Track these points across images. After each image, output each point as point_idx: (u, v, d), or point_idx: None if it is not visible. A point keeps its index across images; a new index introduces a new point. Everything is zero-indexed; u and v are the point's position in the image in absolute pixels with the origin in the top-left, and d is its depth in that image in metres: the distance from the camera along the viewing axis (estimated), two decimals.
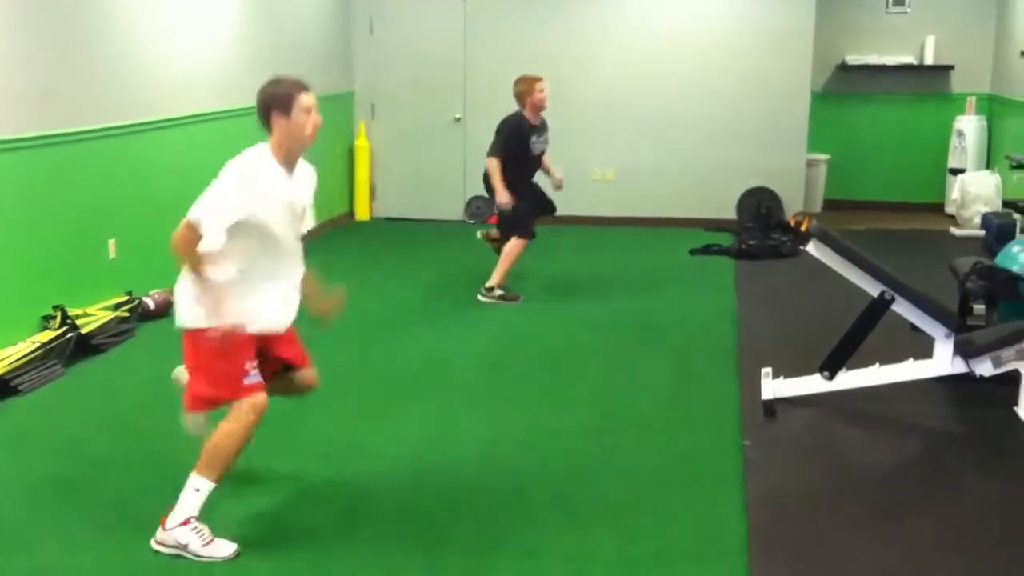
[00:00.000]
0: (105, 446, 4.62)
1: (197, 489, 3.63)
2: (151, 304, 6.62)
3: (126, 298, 6.47)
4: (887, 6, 10.70)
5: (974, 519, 3.93)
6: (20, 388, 5.22)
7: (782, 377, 5.10)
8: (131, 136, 6.64)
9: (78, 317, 5.92)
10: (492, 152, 7.18)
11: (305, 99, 3.69)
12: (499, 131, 7.27)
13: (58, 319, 5.80)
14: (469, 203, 10.46)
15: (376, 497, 4.12)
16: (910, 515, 3.97)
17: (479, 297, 7.25)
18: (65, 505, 4.02)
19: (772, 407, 4.96)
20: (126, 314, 6.34)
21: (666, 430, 4.83)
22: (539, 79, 7.25)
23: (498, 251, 7.46)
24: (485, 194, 7.67)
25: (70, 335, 5.73)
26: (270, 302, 3.75)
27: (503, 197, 7.09)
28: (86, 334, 5.86)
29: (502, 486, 4.21)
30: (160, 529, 3.64)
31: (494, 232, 7.68)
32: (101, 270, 6.39)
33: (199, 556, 3.58)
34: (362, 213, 10.53)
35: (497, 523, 3.88)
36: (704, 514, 3.95)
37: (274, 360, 3.87)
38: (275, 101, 3.69)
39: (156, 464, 4.40)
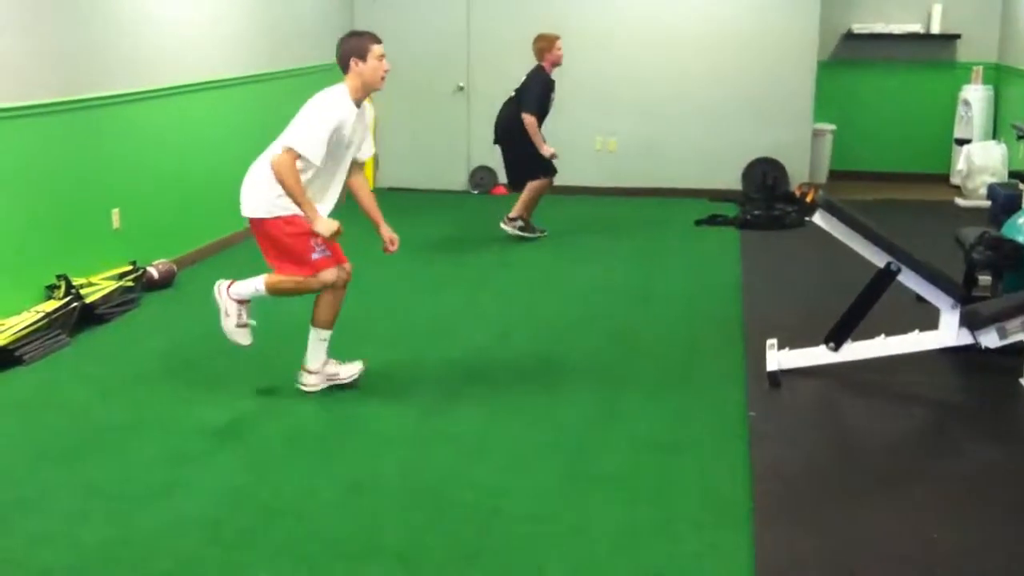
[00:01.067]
0: (110, 415, 4.62)
1: (256, 287, 4.68)
2: (155, 274, 6.62)
3: (130, 268, 6.47)
4: None
5: (979, 488, 3.94)
6: (24, 358, 5.22)
7: (787, 348, 5.09)
8: (134, 104, 6.61)
9: (82, 287, 5.92)
10: (529, 109, 7.84)
11: (378, 48, 4.58)
12: (528, 86, 7.91)
13: (62, 289, 5.79)
14: (473, 173, 10.43)
15: (380, 477, 4.12)
16: (915, 485, 3.97)
17: (501, 225, 7.99)
18: (70, 474, 4.03)
19: (777, 378, 4.96)
20: (130, 284, 6.33)
21: (671, 400, 4.83)
22: (558, 37, 7.99)
23: (523, 229, 8.08)
24: (498, 145, 8.20)
25: (74, 305, 5.73)
26: (323, 203, 4.65)
27: (548, 149, 7.90)
28: (90, 304, 5.86)
29: (505, 458, 4.21)
30: (225, 286, 4.71)
31: (512, 212, 8.11)
32: (105, 239, 6.38)
33: (225, 329, 4.73)
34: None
35: (501, 495, 3.88)
36: (709, 483, 3.95)
37: None
38: (354, 49, 4.55)
39: (161, 433, 4.41)
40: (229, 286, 4.72)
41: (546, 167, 8.04)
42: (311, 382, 4.81)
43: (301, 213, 4.48)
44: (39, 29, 5.72)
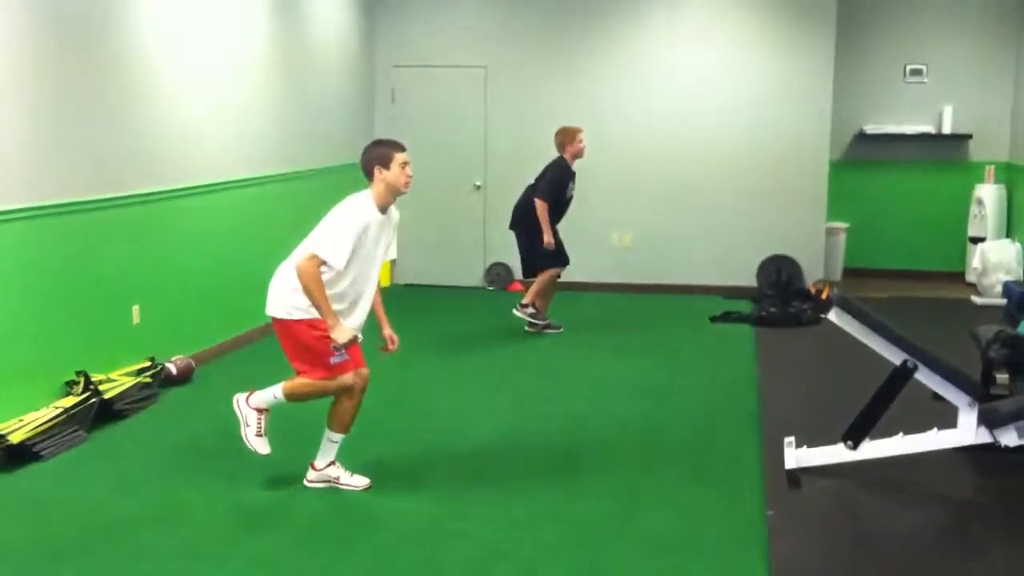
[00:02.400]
0: (126, 511, 4.61)
1: (275, 395, 4.74)
2: (173, 370, 6.65)
3: (149, 363, 6.50)
4: (904, 75, 10.79)
5: None
6: (42, 454, 5.23)
7: (805, 446, 5.06)
8: (157, 203, 6.72)
9: (101, 382, 5.95)
10: (541, 194, 8.00)
11: (401, 156, 4.68)
12: (546, 174, 8.09)
13: (81, 384, 5.83)
14: (489, 269, 10.51)
15: (395, 571, 4.09)
16: None
17: (515, 311, 8.09)
18: (86, 571, 4.01)
19: (796, 476, 4.93)
20: (148, 380, 6.37)
21: (688, 498, 4.79)
22: (580, 130, 8.14)
23: (535, 317, 8.17)
24: (513, 230, 8.30)
25: (92, 400, 5.76)
26: (355, 311, 4.71)
27: (549, 236, 7.96)
28: (108, 399, 5.88)
29: (519, 551, 4.18)
30: (245, 397, 4.79)
31: (525, 299, 8.21)
32: (125, 335, 6.44)
33: (246, 439, 4.78)
34: (383, 279, 10.54)
35: None
36: None
37: None
38: (377, 157, 4.66)
39: (177, 528, 4.40)
40: (248, 397, 4.80)
41: (556, 256, 8.12)
42: (311, 478, 4.87)
43: (318, 318, 4.53)
44: (61, 131, 5.84)
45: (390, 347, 4.94)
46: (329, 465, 4.85)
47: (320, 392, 4.72)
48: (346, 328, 4.54)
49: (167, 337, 6.80)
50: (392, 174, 4.63)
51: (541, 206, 7.97)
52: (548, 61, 10.28)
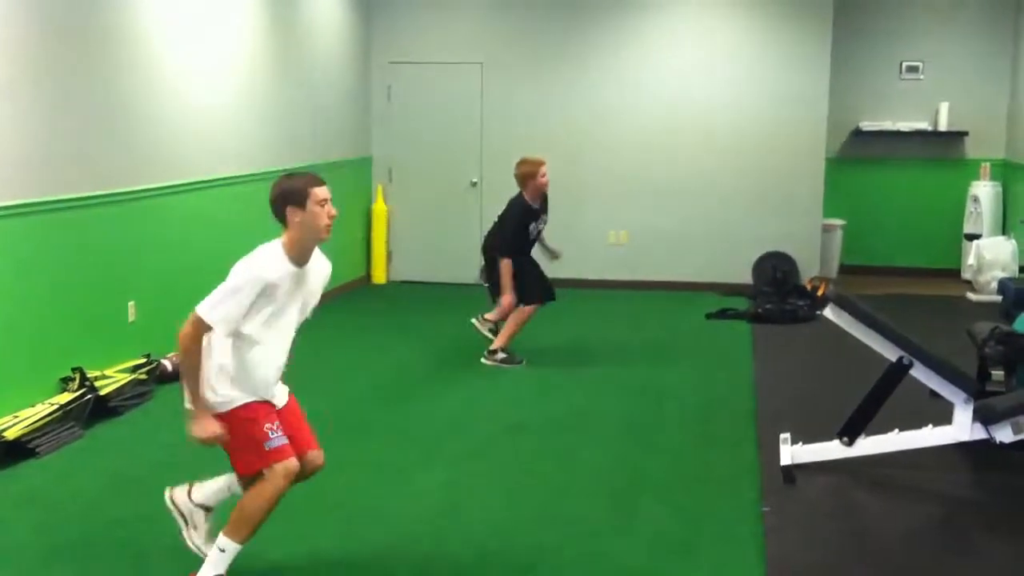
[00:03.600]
0: (123, 509, 4.61)
1: (223, 550, 3.68)
2: (169, 367, 6.64)
3: (144, 360, 6.50)
4: (901, 72, 10.79)
5: None
6: (38, 450, 5.23)
7: (801, 443, 5.07)
8: (152, 199, 6.71)
9: (96, 379, 5.95)
10: (503, 251, 7.17)
11: (319, 192, 3.71)
12: (505, 226, 7.24)
13: (76, 381, 5.82)
14: (483, 268, 10.48)
15: (392, 564, 4.09)
16: None
17: (483, 360, 7.25)
18: (83, 568, 4.02)
19: (791, 473, 4.93)
20: (144, 376, 6.36)
21: (685, 495, 4.80)
22: (542, 163, 7.18)
23: (493, 332, 7.39)
24: (485, 266, 7.54)
25: (88, 397, 5.75)
26: (271, 387, 3.83)
27: (508, 299, 7.16)
28: (104, 396, 5.88)
29: (518, 551, 4.19)
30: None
31: (490, 315, 7.45)
32: (120, 332, 6.43)
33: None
34: (379, 276, 10.59)
35: None
36: None
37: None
38: (290, 195, 3.70)
39: (173, 526, 4.39)
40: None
41: (532, 296, 7.29)
42: (178, 500, 4.02)
43: (249, 399, 3.73)
44: (56, 126, 5.84)
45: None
46: (207, 510, 3.97)
47: (271, 500, 3.68)
48: (207, 421, 3.67)
49: (163, 334, 6.77)
50: (309, 215, 3.67)
51: (506, 264, 7.15)
52: (544, 58, 10.28)
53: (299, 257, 3.73)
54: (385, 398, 6.33)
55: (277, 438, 3.70)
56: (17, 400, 5.47)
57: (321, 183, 3.75)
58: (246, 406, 3.72)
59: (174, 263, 6.97)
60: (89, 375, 5.90)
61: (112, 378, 6.11)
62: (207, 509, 3.98)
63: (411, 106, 10.46)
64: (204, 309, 3.62)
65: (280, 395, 3.89)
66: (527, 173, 7.15)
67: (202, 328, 3.62)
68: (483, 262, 7.55)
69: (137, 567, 4.02)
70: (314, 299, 3.90)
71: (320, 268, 3.89)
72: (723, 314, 8.93)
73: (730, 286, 9.99)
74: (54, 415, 5.45)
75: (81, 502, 4.69)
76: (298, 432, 3.87)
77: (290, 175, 3.83)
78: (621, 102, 10.21)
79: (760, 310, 8.81)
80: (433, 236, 10.56)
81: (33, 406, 5.49)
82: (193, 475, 4.86)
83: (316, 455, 3.91)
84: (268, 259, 3.69)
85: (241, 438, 3.71)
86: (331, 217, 3.72)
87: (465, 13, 10.38)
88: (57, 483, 4.94)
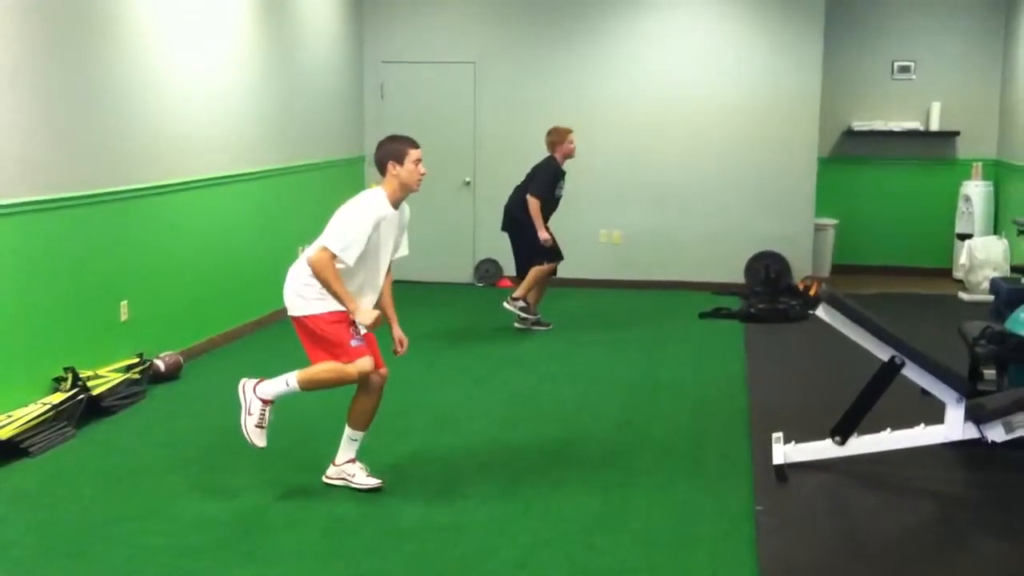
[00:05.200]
0: (115, 508, 4.60)
1: (287, 383, 4.62)
2: (162, 366, 6.64)
3: (137, 360, 6.49)
4: (892, 72, 10.82)
5: None
6: (31, 450, 5.22)
7: (793, 441, 5.08)
8: (144, 199, 6.70)
9: (89, 379, 5.94)
10: (534, 192, 8.03)
11: (415, 152, 4.72)
12: (536, 173, 8.12)
13: (69, 381, 5.81)
14: (478, 266, 10.51)
15: (385, 560, 4.10)
16: None
17: (505, 304, 8.10)
18: (76, 568, 4.01)
19: (784, 472, 4.94)
20: (137, 376, 6.35)
21: (678, 493, 4.81)
22: (571, 130, 8.16)
23: (525, 311, 8.17)
24: (506, 232, 8.38)
25: (81, 397, 5.75)
26: (366, 304, 4.70)
27: (544, 233, 8.01)
28: (96, 396, 5.87)
29: (511, 546, 4.19)
30: (253, 382, 4.64)
31: (516, 293, 8.21)
32: (113, 332, 6.42)
33: (244, 428, 4.61)
34: None
35: None
36: None
37: None
38: (391, 153, 4.70)
39: (167, 526, 4.39)
40: (256, 385, 4.67)
41: (550, 253, 8.14)
42: (330, 474, 4.84)
43: (338, 308, 4.56)
44: (49, 125, 5.83)
45: (399, 349, 4.95)
46: (348, 462, 4.81)
47: (338, 379, 4.63)
48: (368, 310, 4.59)
49: (155, 333, 6.79)
50: (405, 171, 4.68)
51: (534, 204, 7.99)
52: (538, 57, 10.28)
53: (395, 202, 4.72)
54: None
55: (359, 341, 4.60)
56: (9, 400, 5.46)
57: (417, 146, 4.77)
58: (336, 312, 4.57)
59: (166, 262, 6.96)
60: (82, 375, 5.89)
61: (105, 378, 6.10)
62: (343, 464, 4.83)
63: (404, 105, 10.45)
64: (333, 244, 4.47)
65: (369, 307, 4.71)
66: (556, 140, 8.11)
67: (329, 255, 4.46)
68: (508, 228, 8.34)
69: (130, 566, 4.01)
70: (404, 236, 4.91)
71: (405, 210, 4.89)
72: (716, 313, 8.94)
73: (723, 285, 10.00)
74: (47, 415, 5.44)
75: (74, 502, 4.68)
76: (373, 350, 4.71)
77: (393, 137, 4.82)
78: (614, 102, 10.22)
79: (753, 309, 8.82)
80: (427, 235, 10.52)
81: (26, 406, 5.48)
82: (187, 475, 4.87)
83: (384, 371, 4.79)
84: (376, 201, 4.65)
85: (328, 336, 4.58)
86: (422, 174, 4.77)
87: (458, 12, 10.38)
88: (50, 483, 4.93)
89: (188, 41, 7.16)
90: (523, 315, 8.15)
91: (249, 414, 4.64)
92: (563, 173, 8.17)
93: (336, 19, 9.86)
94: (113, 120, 6.38)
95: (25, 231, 5.63)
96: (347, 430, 4.79)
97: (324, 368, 4.61)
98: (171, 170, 7.01)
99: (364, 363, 4.61)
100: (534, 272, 8.15)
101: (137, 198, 6.63)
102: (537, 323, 8.26)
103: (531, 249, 8.15)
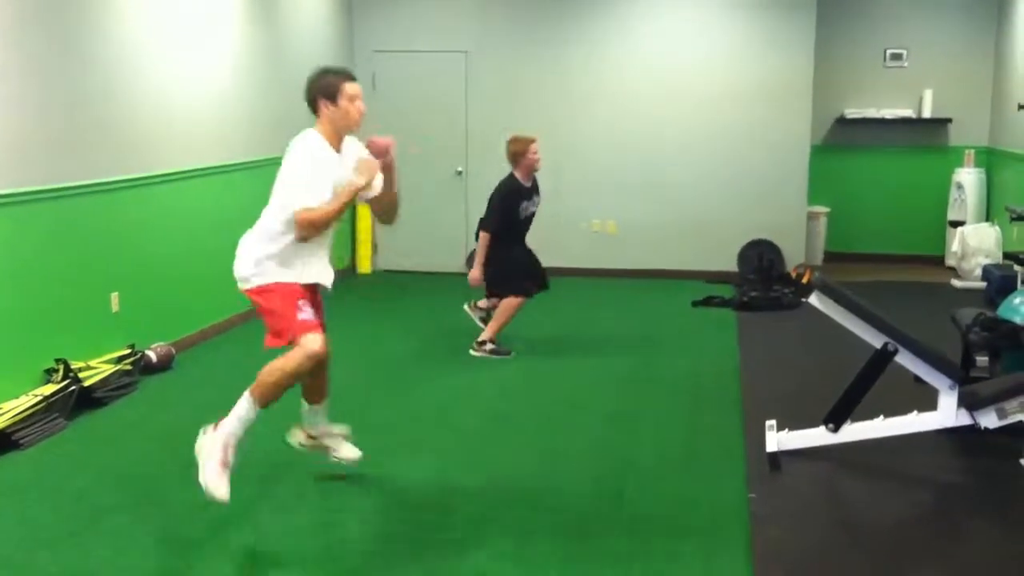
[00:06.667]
0: (107, 500, 4.59)
1: (244, 407, 4.07)
2: (153, 357, 6.62)
3: (128, 351, 6.47)
4: (885, 60, 10.81)
5: (982, 571, 3.91)
6: (22, 442, 5.20)
7: (787, 429, 5.08)
8: (134, 189, 6.68)
9: (80, 370, 5.92)
10: (485, 225, 7.12)
11: (350, 87, 4.18)
12: (492, 201, 7.13)
13: (60, 372, 5.79)
14: (471, 256, 10.46)
15: (377, 554, 4.09)
16: (916, 567, 3.95)
17: (471, 351, 7.21)
18: (68, 560, 4.00)
19: (777, 459, 4.95)
20: (128, 367, 6.33)
21: (671, 482, 4.81)
22: (533, 140, 7.13)
23: (484, 321, 7.42)
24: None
25: (72, 388, 5.73)
26: (318, 264, 4.35)
27: (475, 273, 7.16)
28: (88, 387, 5.85)
29: (504, 538, 4.18)
30: (212, 428, 4.09)
31: (482, 302, 7.53)
32: (104, 323, 6.40)
33: (203, 478, 3.97)
34: (364, 266, 10.56)
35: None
36: (710, 567, 3.92)
37: None
38: (322, 89, 4.19)
39: (160, 518, 4.38)
40: (215, 428, 4.13)
41: (517, 287, 7.17)
42: (306, 444, 4.69)
43: (284, 280, 4.21)
44: (39, 116, 5.80)
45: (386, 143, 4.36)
46: (323, 431, 4.64)
47: (292, 371, 4.10)
48: (365, 161, 4.22)
49: (147, 324, 6.76)
50: (340, 109, 4.20)
51: (483, 239, 7.08)
52: (530, 46, 10.26)
53: (333, 143, 4.22)
54: (370, 388, 6.32)
55: (308, 313, 4.16)
56: (0, 391, 5.44)
57: (353, 79, 4.22)
58: (283, 283, 4.19)
59: (157, 253, 6.94)
60: (73, 366, 5.87)
61: (96, 369, 6.08)
62: (322, 437, 4.61)
63: (396, 95, 10.42)
64: (298, 204, 4.06)
65: (327, 277, 4.39)
66: (517, 151, 7.11)
67: (310, 214, 4.08)
68: (474, 248, 7.41)
69: (122, 558, 4.00)
70: (373, 173, 4.28)
71: (355, 149, 4.33)
72: (708, 302, 8.94)
73: (715, 274, 10.00)
74: (38, 406, 5.42)
75: (65, 493, 4.67)
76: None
77: (326, 69, 4.28)
78: (606, 91, 10.20)
79: (745, 298, 8.82)
80: (418, 225, 10.52)
81: (17, 397, 5.46)
82: (179, 466, 4.85)
83: (326, 340, 4.28)
84: (312, 141, 4.17)
85: (277, 307, 4.16)
86: (360, 112, 4.21)
87: (450, 1, 10.35)
88: (41, 474, 4.91)
89: (178, 31, 7.12)
90: (492, 356, 7.11)
91: (205, 464, 4.03)
92: (528, 190, 7.15)
93: (327, 8, 9.82)
94: (103, 110, 6.35)
95: (16, 222, 5.60)
96: (307, 406, 4.60)
97: (271, 370, 4.09)
98: (162, 161, 6.99)
99: (312, 341, 4.10)
100: (505, 305, 7.17)
101: (128, 189, 6.60)
102: (496, 352, 7.22)
103: (507, 282, 7.21)
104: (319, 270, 4.38)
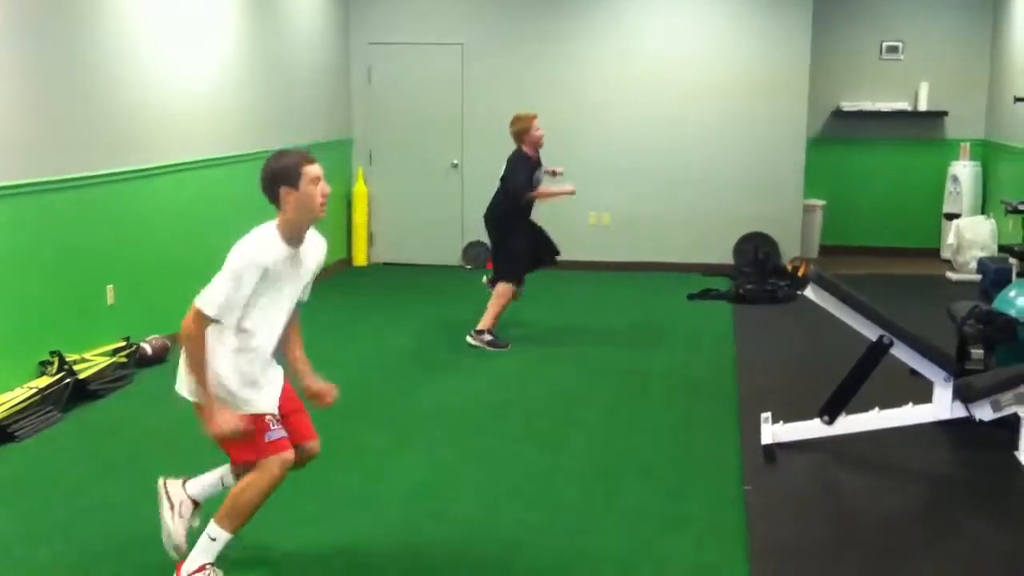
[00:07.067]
0: (103, 493, 4.59)
1: (213, 538, 3.63)
2: (149, 350, 6.61)
3: (124, 344, 6.46)
4: (881, 52, 10.80)
5: (976, 564, 3.92)
6: (17, 434, 5.20)
7: (782, 422, 5.09)
8: (130, 182, 6.66)
9: (76, 363, 5.91)
10: (515, 182, 7.22)
11: (312, 169, 3.62)
12: (513, 171, 7.29)
13: (55, 365, 5.78)
14: (467, 249, 10.49)
15: (376, 547, 4.09)
16: (911, 559, 3.95)
17: (468, 339, 7.25)
18: (63, 553, 4.00)
19: (772, 452, 4.95)
20: (124, 360, 6.33)
21: (667, 475, 4.81)
22: (534, 116, 7.36)
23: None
24: (485, 233, 7.59)
25: (67, 381, 5.72)
26: (268, 374, 3.74)
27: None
28: (83, 380, 5.84)
29: (500, 533, 4.19)
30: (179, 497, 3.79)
31: (481, 324, 7.39)
32: (99, 316, 6.39)
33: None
34: (360, 259, 10.55)
35: (496, 571, 3.84)
36: (706, 561, 3.93)
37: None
38: (282, 175, 3.60)
39: (154, 511, 4.36)
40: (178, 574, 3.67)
41: (516, 273, 7.31)
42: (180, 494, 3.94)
43: (247, 411, 3.63)
44: (35, 108, 5.78)
45: (326, 400, 3.89)
46: (197, 505, 3.92)
47: (265, 491, 3.62)
48: (226, 416, 3.56)
49: (142, 317, 6.75)
50: (303, 194, 3.58)
51: (525, 198, 7.26)
52: (526, 39, 10.24)
53: (294, 238, 3.63)
54: (366, 381, 6.31)
55: (277, 430, 3.64)
56: None
57: (313, 161, 3.67)
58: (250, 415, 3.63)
59: (152, 246, 6.92)
60: (68, 359, 5.86)
61: (91, 361, 6.07)
62: (196, 504, 3.90)
63: (392, 88, 10.40)
64: (205, 303, 3.49)
65: (275, 379, 3.78)
66: (521, 129, 7.33)
67: (204, 321, 3.50)
68: (487, 232, 7.54)
69: (118, 552, 4.00)
70: (310, 278, 3.79)
71: (315, 247, 3.79)
72: (705, 294, 8.94)
73: (711, 267, 10.01)
74: (33, 399, 5.42)
75: (61, 486, 4.67)
76: (296, 420, 3.81)
77: (281, 153, 3.73)
78: (602, 83, 10.19)
79: (741, 290, 8.83)
80: (414, 218, 10.53)
81: (12, 390, 5.46)
82: (173, 459, 4.85)
83: (313, 444, 3.86)
84: (264, 242, 3.57)
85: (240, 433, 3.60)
86: (324, 196, 3.63)
87: None
88: (37, 467, 4.91)
89: (173, 24, 7.10)
90: (489, 348, 7.21)
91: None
92: (539, 162, 7.37)
93: (323, 0, 9.79)
94: (98, 103, 6.34)
95: (11, 215, 5.59)
96: (229, 472, 3.93)
97: (243, 497, 3.62)
98: (157, 153, 6.97)
99: (287, 456, 3.65)
100: (499, 295, 7.31)
101: (123, 181, 6.58)
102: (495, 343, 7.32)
103: (505, 259, 7.37)
104: (271, 384, 3.77)
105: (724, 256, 10.12)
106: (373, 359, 6.82)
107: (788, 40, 9.91)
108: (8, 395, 5.38)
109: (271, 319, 3.65)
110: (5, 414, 5.22)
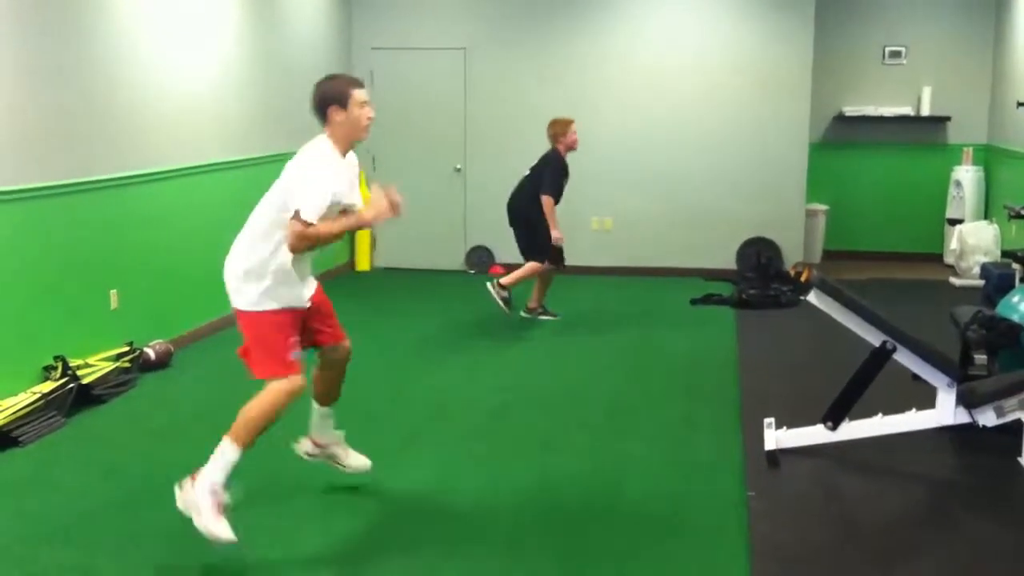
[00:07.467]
0: (106, 496, 4.59)
1: (224, 453, 3.93)
2: (152, 355, 6.62)
3: (127, 348, 6.47)
4: (884, 57, 10.80)
5: (979, 570, 3.91)
6: (20, 439, 5.20)
7: (785, 427, 5.08)
8: (133, 187, 6.67)
9: (79, 367, 5.91)
10: (547, 190, 7.76)
11: (359, 94, 4.06)
12: (544, 169, 7.83)
13: (59, 369, 5.79)
14: (470, 253, 10.49)
15: (379, 545, 4.09)
16: (914, 565, 3.95)
17: (488, 286, 7.82)
18: (67, 557, 4.00)
19: (776, 457, 4.95)
20: (127, 364, 6.33)
21: (669, 479, 4.81)
22: (572, 121, 7.91)
23: (506, 302, 7.85)
24: (511, 226, 8.05)
25: (71, 385, 5.73)
26: (309, 282, 4.20)
27: (557, 231, 7.81)
28: (87, 384, 5.85)
29: (502, 534, 4.19)
30: (190, 482, 3.91)
31: (505, 279, 7.95)
32: (103, 320, 6.40)
33: (201, 526, 3.82)
34: (363, 263, 10.56)
35: (497, 571, 3.85)
36: (708, 565, 3.93)
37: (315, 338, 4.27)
38: (332, 96, 4.05)
39: (159, 514, 4.37)
40: (193, 480, 3.94)
41: (554, 255, 7.91)
42: (311, 452, 4.57)
43: (281, 306, 4.01)
44: (38, 112, 5.79)
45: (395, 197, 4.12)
46: (332, 443, 4.53)
47: (270, 411, 3.96)
48: (376, 202, 3.99)
49: (145, 322, 6.76)
50: (351, 115, 4.04)
51: (548, 201, 7.76)
52: (528, 43, 10.25)
53: (343, 152, 4.09)
54: (369, 382, 6.31)
55: (298, 354, 4.01)
56: None
57: (361, 84, 4.13)
58: (278, 311, 3.99)
59: (157, 251, 6.93)
60: (72, 363, 5.86)
61: (95, 366, 6.07)
62: (329, 446, 4.50)
63: (394, 92, 10.41)
64: (307, 212, 3.81)
65: (310, 288, 4.19)
66: (558, 132, 7.87)
67: (303, 228, 3.83)
68: (515, 224, 8.01)
69: (121, 556, 4.00)
70: (356, 185, 4.19)
71: (354, 162, 4.22)
72: (707, 299, 8.94)
73: (714, 272, 10.00)
74: (37, 404, 5.42)
75: (64, 490, 4.67)
76: (329, 325, 4.27)
77: (331, 76, 4.22)
78: (604, 88, 10.20)
79: (744, 295, 8.82)
80: (417, 223, 10.50)
81: (15, 395, 5.46)
82: (177, 464, 4.85)
83: (347, 343, 4.35)
84: (327, 153, 4.03)
85: (267, 340, 3.98)
86: (369, 119, 4.08)
87: None
88: (40, 472, 4.91)
89: (176, 28, 7.12)
90: (503, 306, 7.85)
91: (199, 514, 3.86)
92: (567, 165, 7.94)
93: (325, 5, 9.82)
94: (102, 108, 6.35)
95: (14, 219, 5.60)
96: (316, 407, 4.46)
97: (251, 414, 3.95)
98: (160, 158, 6.98)
99: (298, 382, 3.99)
100: (528, 268, 7.92)
101: (126, 186, 6.59)
102: (544, 312, 8.17)
103: (539, 245, 7.88)
104: (311, 285, 4.22)
105: (727, 261, 10.12)
106: (376, 362, 6.82)
107: (790, 44, 9.92)
108: (12, 400, 5.39)
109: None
110: (9, 419, 5.22)
